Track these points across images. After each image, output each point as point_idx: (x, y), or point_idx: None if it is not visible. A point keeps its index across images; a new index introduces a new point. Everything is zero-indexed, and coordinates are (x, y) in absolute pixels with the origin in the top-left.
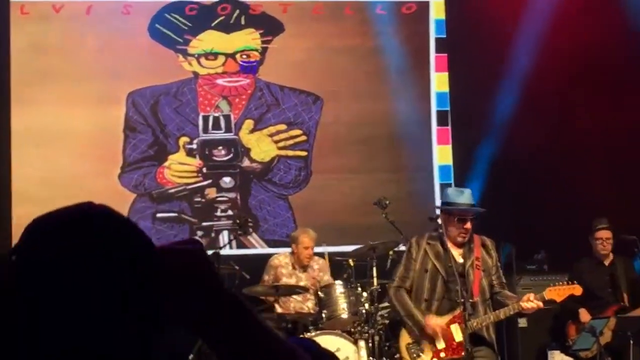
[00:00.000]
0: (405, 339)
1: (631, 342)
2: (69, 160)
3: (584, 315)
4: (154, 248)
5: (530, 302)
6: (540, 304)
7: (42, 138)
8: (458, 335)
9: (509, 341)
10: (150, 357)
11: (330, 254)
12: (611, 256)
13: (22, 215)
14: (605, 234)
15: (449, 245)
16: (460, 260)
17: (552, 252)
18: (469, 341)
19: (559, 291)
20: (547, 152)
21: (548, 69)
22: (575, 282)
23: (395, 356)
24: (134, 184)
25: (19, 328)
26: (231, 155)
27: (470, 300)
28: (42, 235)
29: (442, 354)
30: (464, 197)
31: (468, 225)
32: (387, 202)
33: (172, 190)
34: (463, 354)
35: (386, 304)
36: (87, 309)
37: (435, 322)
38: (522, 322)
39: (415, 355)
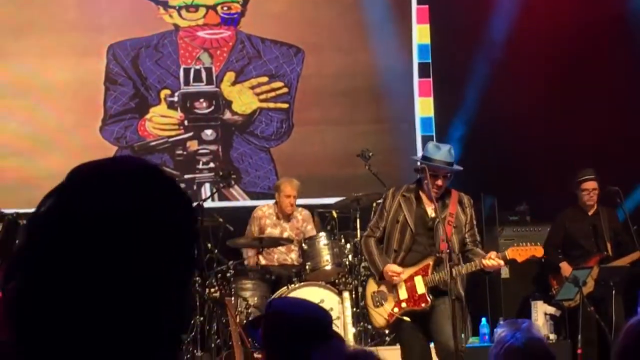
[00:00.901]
0: (371, 287)
1: (613, 291)
2: (51, 113)
3: (566, 269)
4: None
5: (492, 260)
6: (502, 263)
7: (23, 91)
8: (421, 287)
9: (491, 292)
10: (186, 324)
11: (314, 206)
12: (595, 206)
13: (5, 168)
14: (591, 185)
15: (424, 198)
16: (432, 214)
17: (534, 203)
18: (431, 293)
19: (521, 251)
20: (529, 103)
21: (531, 22)
22: (538, 243)
23: (361, 303)
24: (115, 136)
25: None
26: (212, 107)
27: (437, 255)
28: (106, 187)
29: (404, 304)
30: (441, 153)
31: (439, 182)
32: (371, 153)
33: (154, 143)
34: (423, 305)
35: None
36: (134, 270)
37: (391, 268)
38: (505, 273)
39: (378, 303)
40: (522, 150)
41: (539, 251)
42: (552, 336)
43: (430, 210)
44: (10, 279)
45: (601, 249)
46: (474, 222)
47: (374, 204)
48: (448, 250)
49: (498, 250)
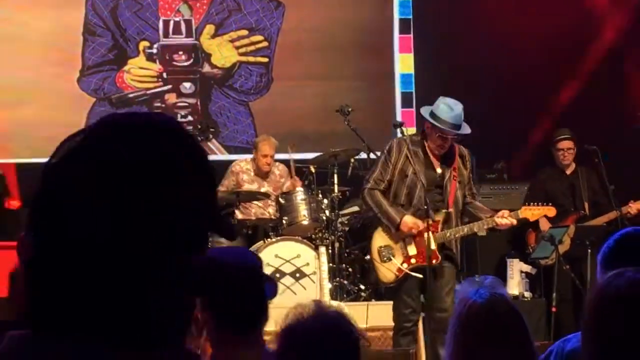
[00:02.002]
0: (377, 241)
1: (589, 250)
2: (28, 63)
3: (544, 223)
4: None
5: (505, 218)
6: (514, 221)
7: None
8: (431, 244)
9: (467, 250)
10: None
11: (291, 161)
12: (573, 166)
13: None
14: (566, 144)
15: (429, 153)
16: (439, 170)
17: (512, 161)
18: (440, 250)
19: (533, 211)
20: (509, 62)
21: None
22: (550, 204)
23: (366, 257)
24: (93, 87)
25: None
26: (191, 60)
27: (445, 211)
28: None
29: (413, 260)
30: (452, 115)
31: (448, 143)
32: (350, 109)
33: (132, 95)
34: (434, 261)
35: (347, 211)
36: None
37: (412, 219)
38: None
39: (386, 258)
40: (501, 108)
41: (551, 211)
42: (527, 294)
43: (437, 166)
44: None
45: (578, 208)
46: (472, 175)
47: (352, 160)
48: (450, 209)
49: None
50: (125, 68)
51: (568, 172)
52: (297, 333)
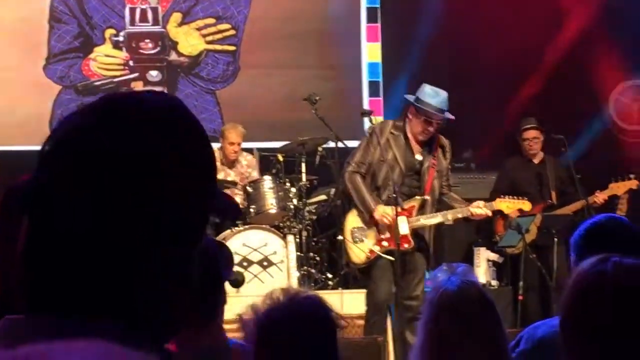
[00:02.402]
0: (351, 222)
1: (555, 239)
2: None
3: (511, 214)
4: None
5: (480, 208)
6: (489, 212)
7: None
8: (404, 228)
9: (435, 238)
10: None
11: (259, 150)
12: (541, 155)
13: None
14: (532, 134)
15: (411, 139)
16: (419, 157)
17: (479, 150)
18: (412, 235)
19: (508, 203)
20: (476, 51)
21: None
22: (524, 198)
23: (338, 237)
24: (59, 75)
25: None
26: (158, 48)
27: (421, 197)
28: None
29: (385, 243)
30: (438, 100)
31: (432, 128)
32: (317, 98)
33: (98, 83)
34: (406, 246)
35: (314, 200)
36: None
37: (384, 210)
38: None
39: (358, 239)
40: (468, 97)
41: (526, 205)
42: (494, 282)
43: (417, 152)
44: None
45: (545, 197)
46: (449, 167)
47: (319, 148)
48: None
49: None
50: (92, 56)
51: (535, 161)
52: (272, 322)
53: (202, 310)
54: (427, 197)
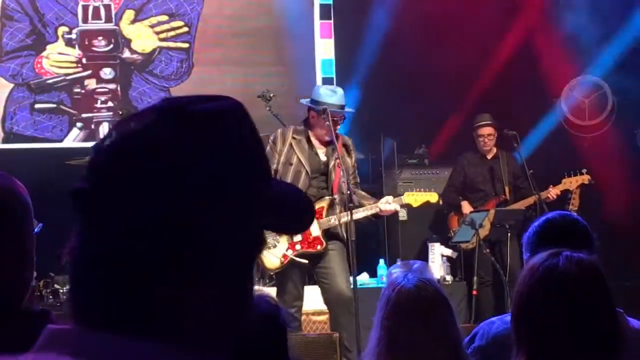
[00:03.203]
0: None
1: (509, 234)
2: None
3: (466, 207)
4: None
5: (389, 204)
6: (398, 207)
7: None
8: (315, 230)
9: (389, 234)
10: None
11: None
12: (494, 150)
13: None
14: (486, 131)
15: (314, 141)
16: (324, 157)
17: (432, 146)
18: (324, 236)
19: (416, 196)
20: (429, 47)
21: None
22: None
23: None
24: (11, 73)
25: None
26: (111, 46)
27: (330, 197)
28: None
29: (298, 247)
30: (337, 97)
31: (338, 126)
32: (272, 95)
33: (51, 81)
34: (319, 247)
35: None
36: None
37: None
38: (403, 216)
39: (271, 245)
40: (421, 92)
41: (433, 197)
42: (449, 277)
43: (322, 153)
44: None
45: (499, 193)
46: (356, 165)
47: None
48: (348, 192)
49: (396, 192)
50: (44, 53)
51: (489, 157)
52: None
53: None
54: (335, 196)
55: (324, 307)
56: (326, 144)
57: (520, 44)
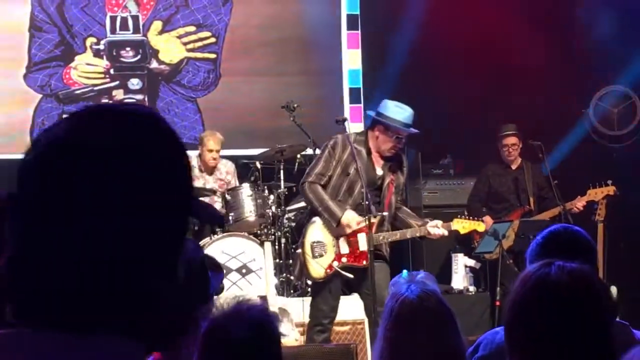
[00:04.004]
0: (311, 236)
1: None
2: None
3: (488, 222)
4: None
5: (437, 228)
6: (446, 232)
7: None
8: (363, 244)
9: (413, 245)
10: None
11: (238, 157)
12: (519, 161)
13: None
14: (511, 140)
15: (373, 154)
16: (379, 172)
17: (458, 156)
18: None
19: (465, 224)
20: (455, 57)
21: None
22: (482, 219)
23: (298, 250)
24: (39, 84)
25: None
26: (139, 56)
27: (381, 214)
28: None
29: (344, 259)
30: (406, 115)
31: (401, 144)
32: (296, 105)
33: (79, 91)
34: (364, 262)
35: (293, 207)
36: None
37: (353, 215)
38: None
39: (317, 254)
40: (447, 103)
41: (481, 226)
42: (472, 288)
43: (379, 168)
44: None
45: (523, 203)
46: (405, 183)
47: (298, 156)
48: (386, 212)
49: (421, 203)
50: (72, 64)
51: (513, 167)
52: (214, 328)
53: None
54: (385, 213)
55: (348, 318)
56: (383, 159)
57: (549, 54)
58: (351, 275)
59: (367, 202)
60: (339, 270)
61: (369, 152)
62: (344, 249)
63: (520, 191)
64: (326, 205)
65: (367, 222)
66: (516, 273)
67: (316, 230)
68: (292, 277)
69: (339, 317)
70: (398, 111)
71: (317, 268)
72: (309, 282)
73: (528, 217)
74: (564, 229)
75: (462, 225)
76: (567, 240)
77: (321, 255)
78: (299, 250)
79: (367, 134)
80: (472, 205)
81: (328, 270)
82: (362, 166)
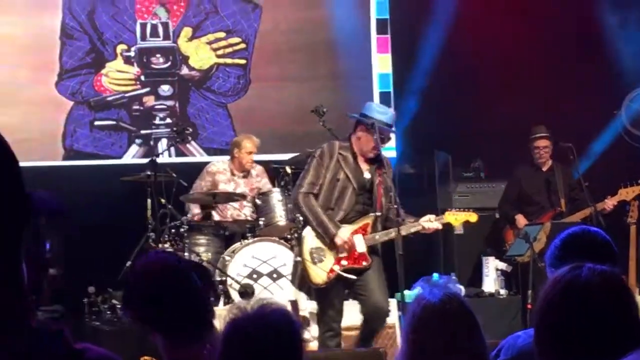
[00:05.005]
0: (309, 243)
1: None
2: (4, 67)
3: (521, 220)
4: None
5: (431, 222)
6: (440, 226)
7: None
8: (361, 246)
9: (445, 248)
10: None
11: (268, 162)
12: (550, 162)
13: None
14: (542, 143)
15: (359, 158)
16: (367, 175)
17: (489, 159)
18: (369, 252)
19: (457, 216)
20: (485, 60)
21: None
22: (471, 209)
23: (297, 259)
24: (70, 91)
25: None
26: (169, 63)
27: (375, 214)
28: None
29: (344, 262)
30: (387, 116)
31: (384, 143)
32: (325, 109)
33: (110, 98)
34: (364, 263)
35: None
36: None
37: (346, 234)
38: (459, 229)
39: (317, 260)
40: (477, 106)
41: (472, 217)
42: (503, 291)
43: (366, 172)
44: None
45: (555, 205)
46: (394, 183)
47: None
48: (395, 206)
49: (452, 206)
50: (103, 71)
51: (544, 169)
52: (236, 331)
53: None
54: (378, 213)
55: (356, 322)
56: (369, 161)
57: (580, 56)
58: (354, 277)
59: (395, 206)
60: (340, 273)
61: (354, 157)
62: (342, 252)
63: (551, 193)
64: (320, 221)
65: (362, 225)
66: (547, 276)
67: (313, 237)
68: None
69: (350, 322)
70: (380, 111)
71: (319, 273)
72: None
73: (559, 219)
74: (582, 230)
75: (454, 217)
76: (585, 242)
77: (321, 261)
78: (298, 259)
79: (350, 139)
80: (503, 208)
81: (330, 275)
82: (351, 171)
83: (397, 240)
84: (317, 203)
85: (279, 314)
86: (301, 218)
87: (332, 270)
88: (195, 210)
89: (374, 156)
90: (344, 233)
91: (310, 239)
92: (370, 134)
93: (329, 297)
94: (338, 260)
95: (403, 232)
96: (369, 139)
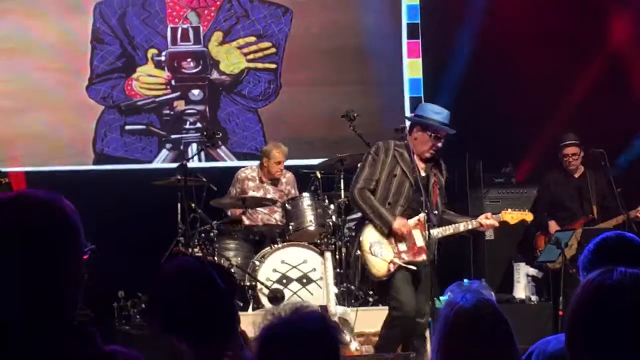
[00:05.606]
0: (369, 237)
1: None
2: (36, 72)
3: (553, 226)
4: None
5: (488, 219)
6: (497, 223)
7: (7, 50)
8: (420, 240)
9: (475, 253)
10: None
11: (298, 167)
12: (581, 169)
13: None
14: (571, 150)
15: (415, 158)
16: (423, 173)
17: (520, 165)
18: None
19: (513, 215)
20: (516, 66)
21: None
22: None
23: (356, 253)
24: (101, 95)
25: None
26: (200, 67)
27: (427, 212)
28: None
29: (404, 255)
30: (443, 117)
31: (440, 143)
32: (355, 114)
33: (141, 103)
34: (424, 257)
35: (354, 216)
36: None
37: (404, 223)
38: (489, 235)
39: (377, 253)
40: (508, 111)
41: (528, 216)
42: (534, 298)
43: (421, 169)
44: None
45: (586, 212)
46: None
47: (358, 165)
48: (435, 211)
49: (483, 211)
50: (134, 76)
51: (576, 175)
52: (272, 336)
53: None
54: (435, 211)
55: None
56: (425, 161)
57: (611, 62)
58: (414, 267)
59: (424, 204)
60: (402, 264)
61: (410, 155)
62: (402, 246)
63: (583, 200)
64: (378, 212)
65: (423, 220)
66: (579, 282)
67: (373, 231)
68: (352, 287)
69: (378, 328)
70: (434, 111)
71: (381, 265)
72: (370, 292)
73: (591, 225)
74: (616, 235)
75: (510, 216)
76: (620, 247)
77: (381, 254)
78: (358, 253)
79: (406, 139)
80: (535, 214)
81: (391, 266)
82: (407, 167)
83: (432, 245)
84: (374, 197)
85: (314, 318)
86: (359, 214)
87: (392, 262)
88: (236, 213)
89: (430, 156)
90: (401, 221)
91: (369, 233)
92: (426, 135)
93: (396, 286)
94: (398, 254)
95: (462, 228)
96: (425, 139)
